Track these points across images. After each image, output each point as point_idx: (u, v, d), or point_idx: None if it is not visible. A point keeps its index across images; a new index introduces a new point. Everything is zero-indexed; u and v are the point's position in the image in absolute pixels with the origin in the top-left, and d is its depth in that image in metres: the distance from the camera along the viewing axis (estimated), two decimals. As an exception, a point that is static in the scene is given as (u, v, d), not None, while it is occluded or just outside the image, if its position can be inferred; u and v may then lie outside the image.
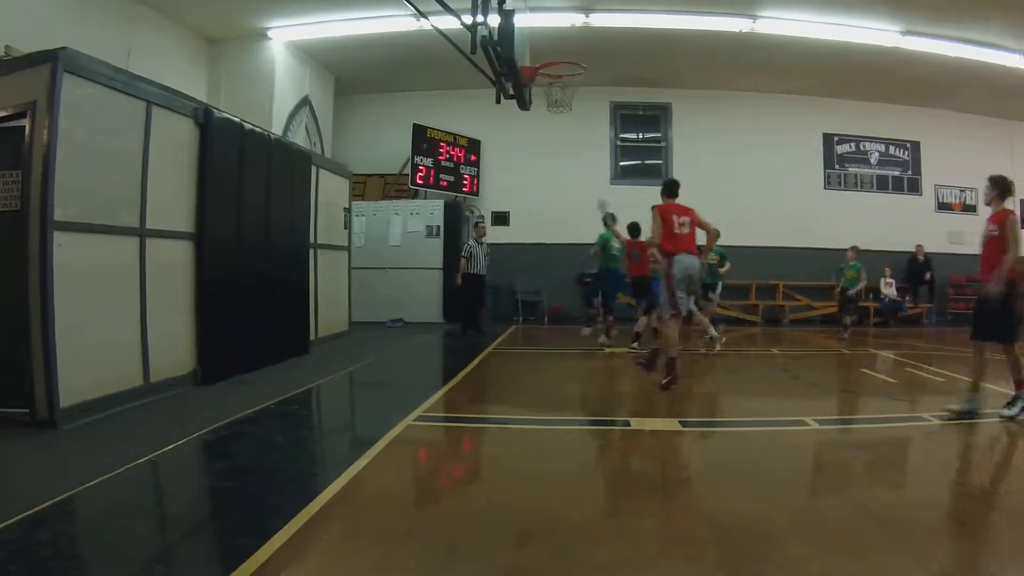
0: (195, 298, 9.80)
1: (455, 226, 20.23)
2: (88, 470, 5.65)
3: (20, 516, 4.64)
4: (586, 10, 16.07)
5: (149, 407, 8.33)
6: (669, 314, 10.40)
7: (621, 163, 23.15)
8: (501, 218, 22.59)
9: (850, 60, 18.53)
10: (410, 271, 19.87)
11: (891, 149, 23.33)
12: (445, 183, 21.24)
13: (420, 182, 20.58)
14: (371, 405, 10.08)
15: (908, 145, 23.34)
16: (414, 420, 7.97)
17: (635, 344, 14.29)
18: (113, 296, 8.24)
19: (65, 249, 7.31)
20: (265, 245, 11.45)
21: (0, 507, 4.76)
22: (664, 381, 10.15)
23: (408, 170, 20.90)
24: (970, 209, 23.33)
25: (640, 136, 23.43)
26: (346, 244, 16.24)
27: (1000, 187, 8.51)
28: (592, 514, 5.19)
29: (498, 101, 12.20)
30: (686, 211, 10.52)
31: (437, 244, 19.99)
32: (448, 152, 21.36)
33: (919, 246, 22.16)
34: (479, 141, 22.27)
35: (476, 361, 12.89)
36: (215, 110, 10.29)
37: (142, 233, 8.65)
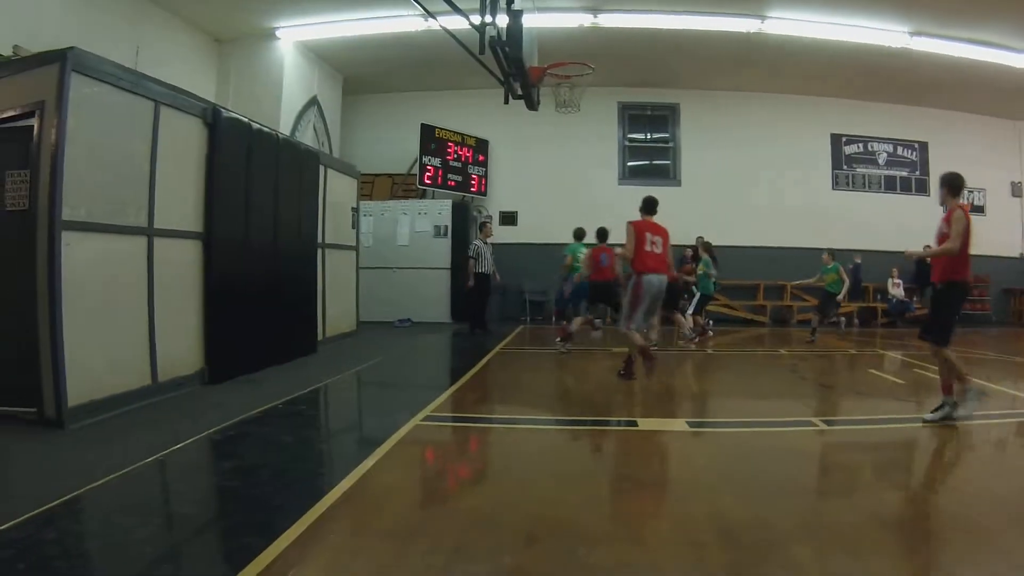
0: (203, 298, 9.81)
1: (463, 226, 20.18)
2: (95, 469, 5.66)
3: (28, 515, 4.64)
4: (594, 10, 16.06)
5: (156, 406, 8.34)
6: (625, 328, 10.53)
7: (629, 163, 23.14)
8: (509, 218, 22.62)
9: (858, 61, 18.52)
10: (418, 271, 19.87)
11: (899, 150, 23.29)
12: (453, 183, 21.28)
13: (428, 182, 20.59)
14: (379, 405, 10.07)
15: (916, 146, 23.30)
16: (422, 420, 7.97)
17: (561, 340, 14.42)
18: (121, 296, 8.25)
19: (73, 248, 7.32)
20: (273, 245, 11.46)
21: (8, 506, 4.77)
22: (621, 372, 10.82)
23: (416, 170, 20.89)
24: (978, 210, 23.26)
25: (648, 136, 23.43)
26: (354, 244, 16.23)
27: (948, 185, 8.37)
28: (598, 515, 5.18)
29: (506, 101, 12.20)
30: (661, 231, 10.65)
31: (445, 244, 19.96)
32: (456, 152, 21.38)
33: (927, 247, 22.06)
34: (487, 141, 22.29)
35: (484, 361, 12.89)
36: (223, 110, 10.30)
37: (150, 233, 8.66)
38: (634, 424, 8.30)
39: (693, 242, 20.11)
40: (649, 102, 23.06)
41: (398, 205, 20.63)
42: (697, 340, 15.90)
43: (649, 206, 10.84)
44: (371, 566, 4.13)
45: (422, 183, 20.56)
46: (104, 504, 5.12)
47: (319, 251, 13.81)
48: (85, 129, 7.51)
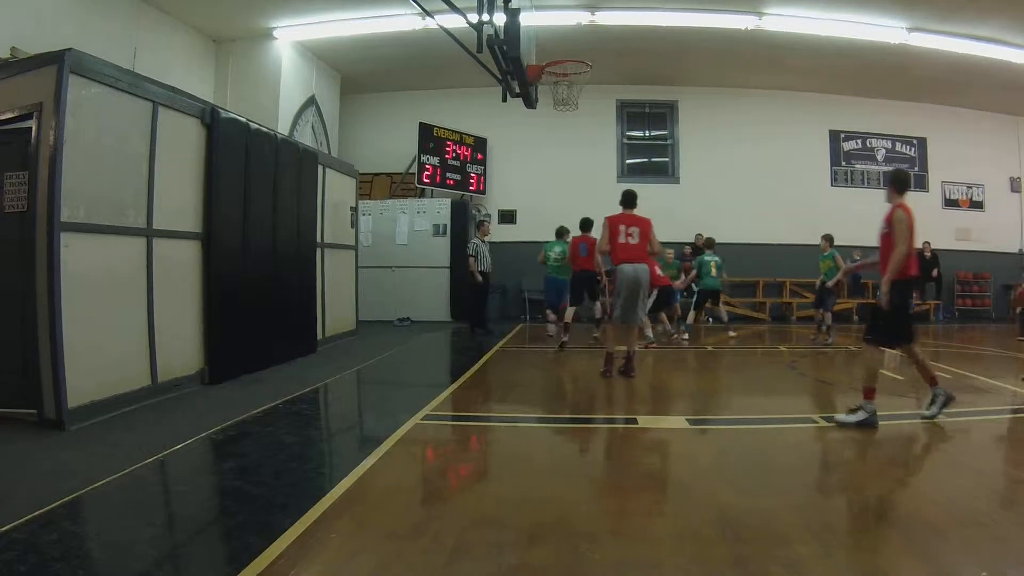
0: (202, 298, 9.82)
1: (462, 225, 20.18)
2: (96, 470, 5.66)
3: (28, 516, 4.64)
4: (592, 8, 16.05)
5: (157, 407, 8.34)
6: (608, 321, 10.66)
7: (628, 161, 23.19)
8: (508, 216, 22.65)
9: (856, 57, 18.53)
10: (417, 270, 19.92)
11: (898, 146, 23.32)
12: (452, 182, 21.28)
13: (427, 181, 20.60)
14: (379, 404, 10.06)
15: (915, 142, 23.34)
16: (422, 419, 7.98)
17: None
18: (120, 296, 8.26)
19: (72, 250, 7.32)
20: (272, 245, 11.47)
21: (8, 507, 4.78)
22: (603, 370, 10.82)
23: (415, 169, 20.91)
24: (977, 206, 23.37)
25: (647, 134, 23.46)
26: (353, 243, 16.24)
27: (893, 182, 8.29)
28: (600, 512, 5.20)
29: (504, 100, 12.24)
30: (637, 222, 10.65)
31: (444, 243, 20.00)
32: (455, 151, 21.39)
33: (926, 243, 22.08)
34: (485, 140, 22.28)
35: (483, 360, 12.91)
36: (221, 110, 10.30)
37: (149, 233, 8.66)
38: (634, 421, 8.30)
39: (692, 239, 20.16)
40: (647, 99, 23.08)
41: (397, 204, 20.68)
42: (685, 338, 15.94)
43: (626, 199, 10.91)
44: (372, 564, 4.13)
45: (421, 182, 20.58)
46: (105, 505, 5.13)
47: (318, 250, 13.81)
48: (83, 130, 7.51)
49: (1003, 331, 19.31)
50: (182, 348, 9.42)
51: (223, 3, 15.79)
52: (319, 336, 13.75)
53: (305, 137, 18.17)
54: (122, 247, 8.27)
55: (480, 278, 16.90)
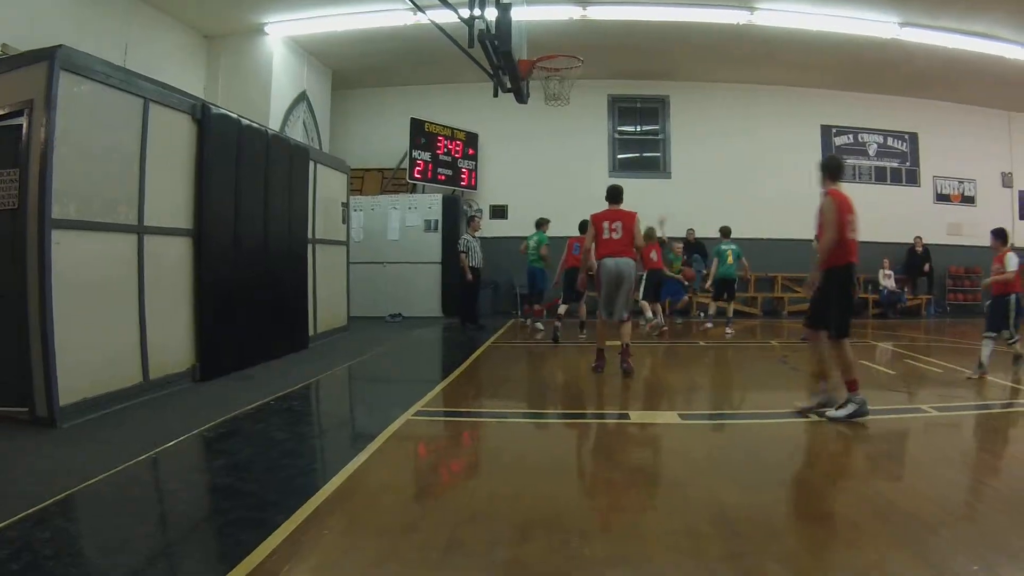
0: (193, 294, 9.81)
1: (453, 220, 20.18)
2: (88, 468, 5.66)
3: (21, 514, 4.64)
4: (583, 3, 16.07)
5: (148, 404, 8.34)
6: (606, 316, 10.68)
7: (619, 156, 23.19)
8: (499, 212, 22.64)
9: (848, 52, 18.57)
10: (408, 265, 19.88)
11: (889, 141, 23.36)
12: (443, 177, 21.25)
13: (418, 176, 20.57)
14: (370, 400, 10.09)
15: (906, 137, 23.38)
16: (413, 415, 7.98)
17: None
18: (112, 293, 8.24)
19: (63, 247, 7.30)
20: (263, 241, 11.46)
21: (1, 505, 4.77)
22: (594, 365, 10.83)
23: (406, 164, 20.89)
24: (969, 201, 23.43)
25: (638, 129, 23.48)
26: (344, 239, 16.23)
27: (824, 169, 8.32)
28: (592, 508, 5.22)
29: (496, 95, 12.24)
30: (621, 216, 10.61)
31: (435, 238, 19.97)
32: (446, 146, 21.36)
33: (917, 238, 22.20)
34: (477, 135, 22.24)
35: (475, 355, 12.92)
36: (212, 106, 10.30)
37: (140, 230, 8.65)
38: (626, 416, 8.31)
39: (684, 234, 20.18)
40: (639, 94, 23.10)
41: (388, 200, 20.62)
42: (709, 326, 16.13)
43: (611, 195, 10.91)
44: (365, 561, 4.15)
45: (412, 177, 20.54)
46: (98, 503, 5.13)
47: (309, 246, 13.79)
48: (74, 127, 7.49)
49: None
50: (173, 345, 9.41)
51: (215, -1, 15.77)
52: (311, 332, 13.76)
53: (296, 133, 18.14)
54: (113, 244, 8.26)
55: (471, 275, 16.93)
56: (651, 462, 6.77)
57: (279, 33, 17.63)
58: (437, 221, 20.03)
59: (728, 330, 16.81)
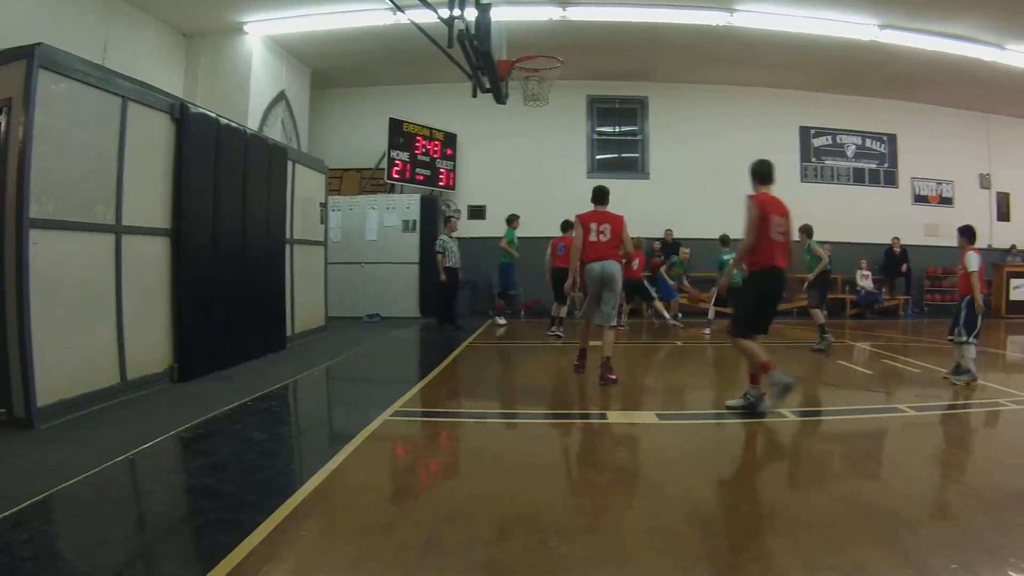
0: (171, 294, 9.79)
1: (432, 220, 20.14)
2: (66, 469, 5.64)
3: (-1, 516, 4.63)
4: (563, 3, 16.06)
5: (127, 404, 8.32)
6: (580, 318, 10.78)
7: (598, 156, 23.20)
8: (478, 212, 22.61)
9: (827, 54, 18.65)
10: (386, 266, 19.86)
11: (868, 142, 23.48)
12: (421, 177, 21.19)
13: (396, 176, 20.52)
14: (348, 400, 10.12)
15: (885, 138, 23.51)
16: (391, 415, 7.99)
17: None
18: (89, 293, 8.22)
19: (41, 247, 7.27)
20: (241, 241, 11.44)
21: (-22, 507, 4.75)
22: (576, 365, 10.92)
23: (384, 164, 20.86)
24: (947, 202, 23.59)
25: (617, 129, 23.49)
26: (322, 239, 16.23)
27: (753, 174, 8.48)
28: (570, 507, 5.24)
29: (475, 95, 12.25)
30: (609, 218, 10.53)
31: (413, 239, 19.95)
32: (424, 146, 21.30)
33: (895, 238, 22.31)
34: (455, 135, 22.22)
35: (453, 355, 12.93)
36: (191, 105, 10.27)
37: (118, 230, 8.62)
38: (603, 416, 8.34)
39: (662, 234, 20.22)
40: (618, 95, 23.12)
41: (366, 200, 20.60)
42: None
43: (596, 196, 10.76)
44: (343, 561, 4.16)
45: (390, 178, 20.49)
46: (76, 504, 5.11)
47: (288, 247, 13.76)
48: (53, 126, 7.46)
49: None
50: (151, 345, 9.39)
51: (194, -3, 15.71)
52: (288, 332, 13.74)
53: (275, 132, 18.08)
54: (91, 244, 8.23)
55: (444, 276, 16.94)
56: (629, 462, 6.78)
57: (258, 32, 17.55)
58: (415, 221, 19.99)
59: (706, 331, 16.86)
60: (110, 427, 7.34)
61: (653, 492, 5.58)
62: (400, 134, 20.62)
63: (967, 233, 10.52)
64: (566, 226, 14.44)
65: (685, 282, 19.64)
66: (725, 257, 16.65)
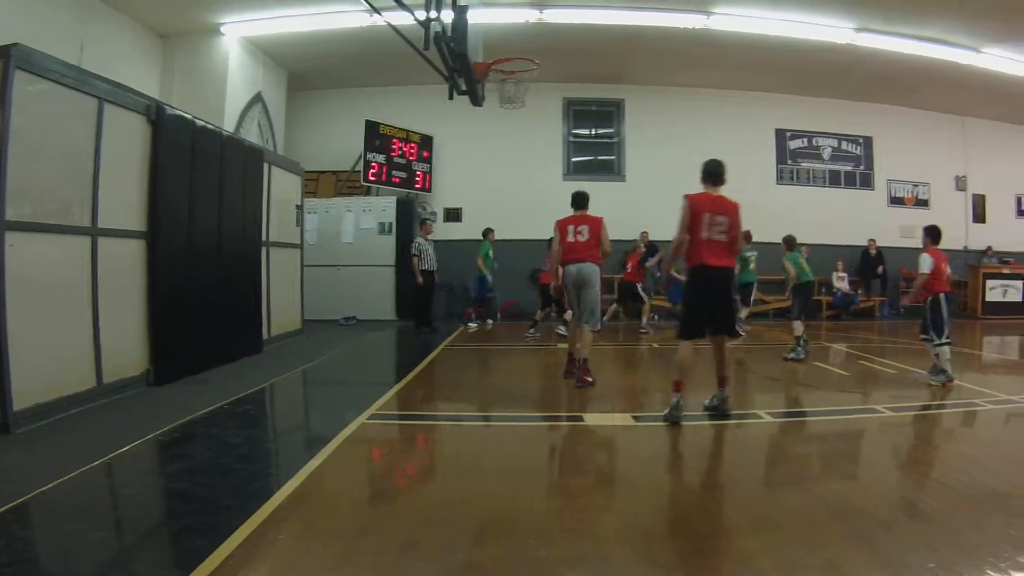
0: (147, 297, 9.75)
1: (408, 223, 20.11)
2: (43, 474, 5.61)
3: (-26, 522, 4.61)
4: (540, 6, 16.07)
5: (103, 409, 8.28)
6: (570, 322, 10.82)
7: (574, 159, 23.21)
8: (454, 215, 22.58)
9: (803, 56, 18.73)
10: (363, 268, 19.84)
11: (844, 144, 23.61)
12: (397, 179, 21.14)
13: (372, 179, 20.46)
14: (325, 404, 10.10)
15: (861, 140, 23.65)
16: (367, 419, 7.99)
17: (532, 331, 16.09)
18: (65, 296, 8.18)
19: (17, 249, 7.24)
20: (217, 243, 11.40)
21: (-46, 513, 4.73)
22: (564, 370, 10.74)
23: (360, 167, 20.80)
24: (923, 204, 23.75)
25: (593, 132, 23.55)
26: (298, 242, 16.18)
27: (702, 173, 8.92)
28: (547, 510, 5.26)
29: (451, 97, 12.24)
30: (586, 220, 10.58)
31: (389, 241, 19.94)
32: (401, 148, 21.24)
33: (871, 240, 22.43)
34: (432, 137, 22.17)
35: (429, 358, 12.92)
36: (167, 107, 10.24)
37: (94, 232, 8.58)
38: (580, 419, 8.36)
39: (638, 237, 20.23)
40: (594, 98, 23.17)
41: (343, 202, 20.60)
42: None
43: (576, 201, 10.82)
44: (320, 565, 4.17)
45: (366, 180, 20.43)
46: (52, 509, 5.09)
47: (263, 249, 13.73)
48: (28, 127, 7.42)
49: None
50: (127, 348, 9.35)
51: (171, -2, 15.65)
52: (265, 336, 13.68)
53: (251, 134, 18.01)
54: (67, 246, 8.19)
55: (421, 279, 16.92)
56: (606, 464, 6.83)
57: (235, 34, 17.47)
58: (391, 224, 20.00)
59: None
60: (87, 431, 7.31)
61: (630, 493, 5.61)
62: (376, 136, 20.56)
63: (931, 232, 10.59)
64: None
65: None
66: (747, 254, 16.58)
